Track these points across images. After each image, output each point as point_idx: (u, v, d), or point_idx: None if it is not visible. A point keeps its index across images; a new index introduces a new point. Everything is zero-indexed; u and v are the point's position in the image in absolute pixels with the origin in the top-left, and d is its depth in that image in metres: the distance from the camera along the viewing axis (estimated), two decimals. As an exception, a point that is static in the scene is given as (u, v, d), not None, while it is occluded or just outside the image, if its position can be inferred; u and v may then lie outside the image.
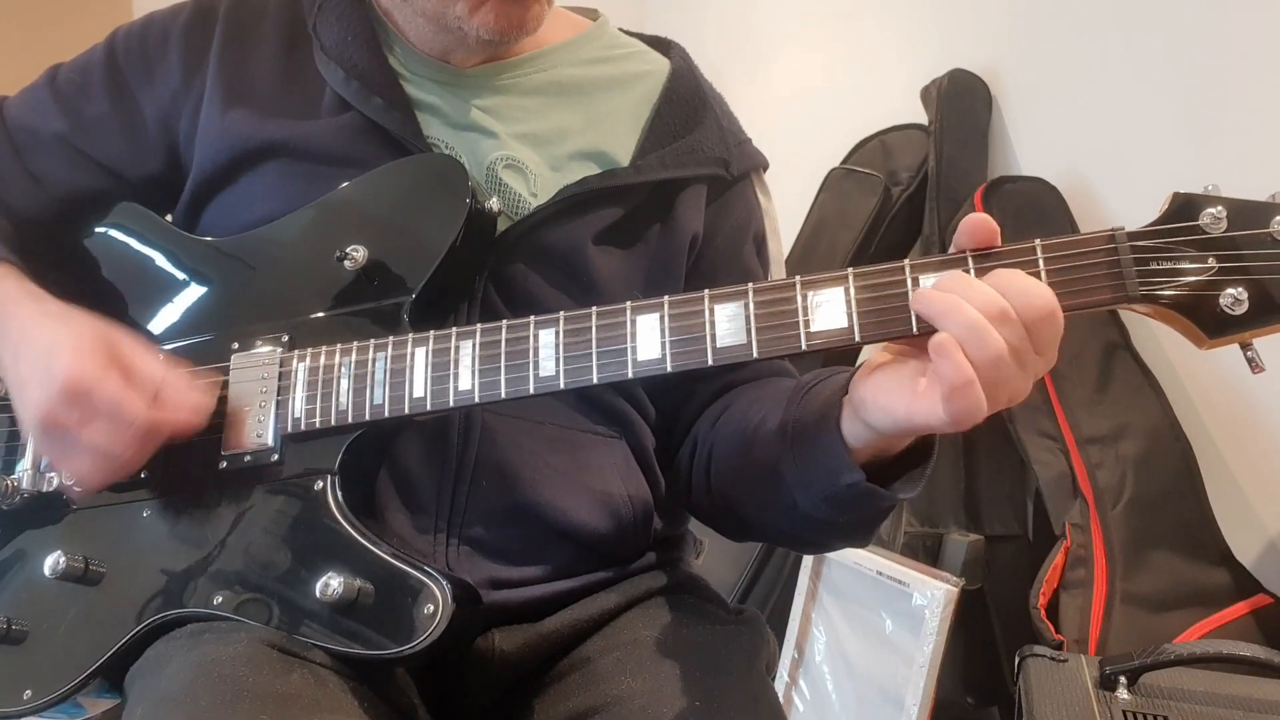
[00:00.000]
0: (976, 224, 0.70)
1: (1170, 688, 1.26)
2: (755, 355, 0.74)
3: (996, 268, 0.69)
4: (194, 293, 0.98)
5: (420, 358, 0.84)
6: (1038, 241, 0.69)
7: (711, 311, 0.76)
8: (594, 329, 0.79)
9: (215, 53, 1.00)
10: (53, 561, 0.90)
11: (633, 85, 1.05)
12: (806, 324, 0.73)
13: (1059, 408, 1.75)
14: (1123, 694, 1.24)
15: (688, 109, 1.04)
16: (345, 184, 0.94)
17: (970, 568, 1.84)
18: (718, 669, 0.89)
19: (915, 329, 0.70)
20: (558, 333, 0.80)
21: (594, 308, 0.80)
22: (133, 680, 0.86)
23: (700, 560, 1.12)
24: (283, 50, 1.00)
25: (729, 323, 0.75)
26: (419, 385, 0.84)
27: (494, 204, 0.93)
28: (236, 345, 0.92)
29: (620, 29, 1.12)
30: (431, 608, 0.79)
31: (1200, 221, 0.67)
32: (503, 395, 0.81)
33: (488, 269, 0.93)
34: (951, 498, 1.95)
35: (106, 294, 1.00)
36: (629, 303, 0.79)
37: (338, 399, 0.87)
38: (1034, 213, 1.90)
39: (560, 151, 1.00)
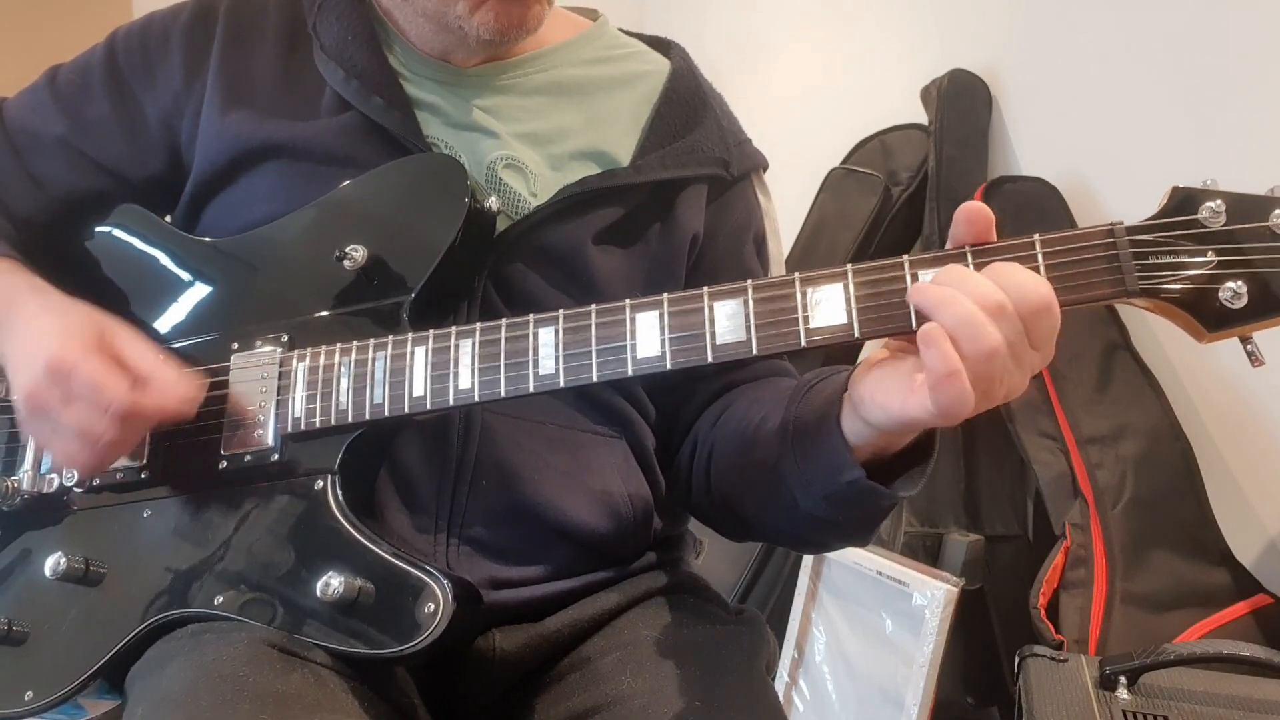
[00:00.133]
0: (973, 211, 0.70)
1: (1170, 688, 1.26)
2: (755, 352, 0.74)
3: (995, 262, 0.69)
4: (194, 293, 0.98)
5: (420, 357, 0.84)
6: (1036, 236, 0.69)
7: (711, 309, 0.76)
8: (593, 327, 0.79)
9: (216, 53, 1.00)
10: (53, 562, 0.90)
11: (633, 85, 1.05)
12: (806, 321, 0.73)
13: (1059, 408, 1.75)
14: (1123, 694, 1.24)
15: (688, 109, 1.04)
16: (345, 184, 0.94)
17: (970, 568, 1.84)
18: (718, 669, 0.89)
19: (914, 325, 0.70)
20: (557, 331, 0.80)
21: (593, 306, 0.80)
22: (133, 680, 0.86)
23: (700, 560, 1.12)
24: (283, 50, 1.00)
25: (728, 320, 0.75)
26: (419, 384, 0.84)
27: (493, 203, 0.93)
28: (236, 345, 0.92)
29: (620, 29, 1.12)
30: (432, 607, 0.79)
31: (1199, 215, 0.67)
32: (502, 394, 0.81)
33: (487, 268, 0.93)
34: (951, 498, 1.95)
35: (107, 295, 1.00)
36: (628, 300, 0.79)
37: (338, 398, 0.87)
38: (1034, 212, 1.90)
39: (560, 151, 1.00)
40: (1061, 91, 2.02)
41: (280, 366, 0.90)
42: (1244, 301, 0.66)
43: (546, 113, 1.01)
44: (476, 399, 0.82)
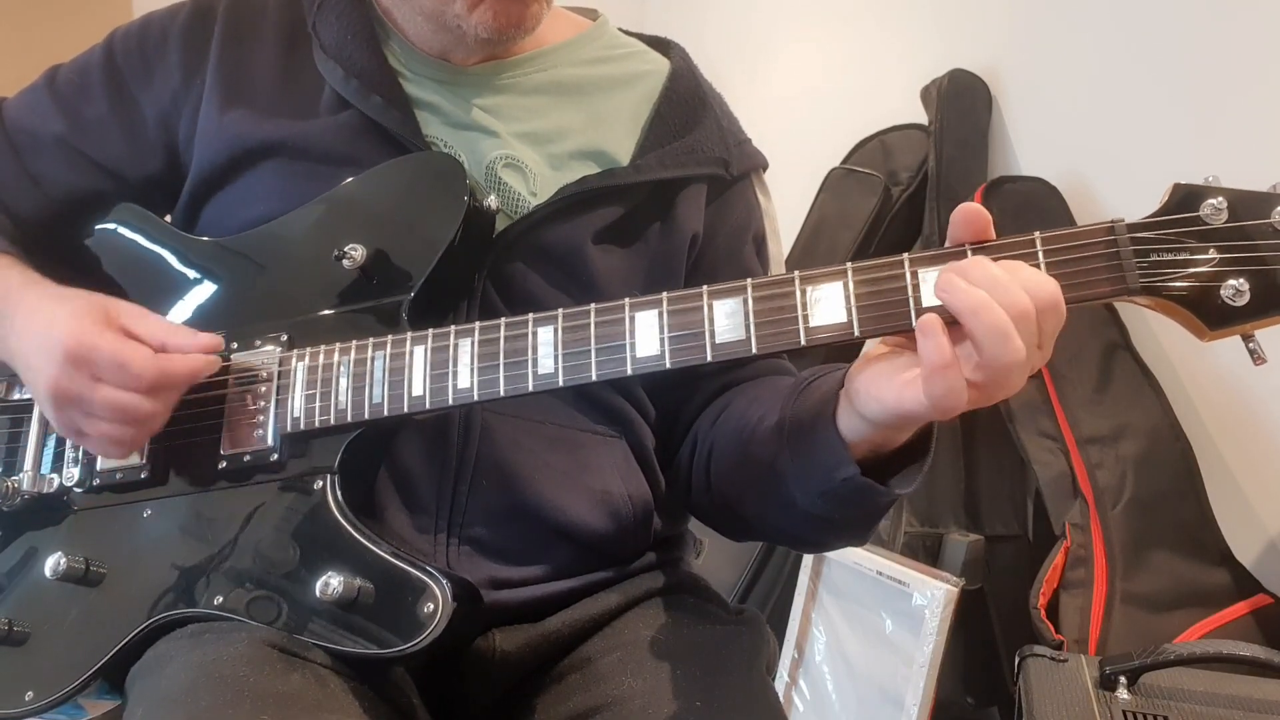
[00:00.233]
0: (970, 213, 0.70)
1: (1170, 688, 1.26)
2: (754, 351, 0.74)
3: (997, 260, 0.68)
4: (193, 292, 0.98)
5: (419, 356, 0.84)
6: (1038, 234, 0.69)
7: (710, 308, 0.76)
8: (592, 326, 0.79)
9: (215, 52, 1.00)
10: (53, 563, 0.90)
11: (633, 85, 1.05)
12: (805, 319, 0.73)
13: (1059, 407, 1.75)
14: (1123, 694, 1.24)
15: (687, 109, 1.04)
16: (343, 183, 0.94)
17: (970, 568, 1.84)
18: (718, 669, 0.89)
19: (914, 323, 0.70)
20: (556, 330, 0.80)
21: (592, 305, 0.80)
22: (133, 681, 0.86)
23: (700, 560, 1.12)
24: (282, 49, 1.00)
25: (728, 319, 0.75)
26: (418, 384, 0.84)
27: (492, 202, 0.93)
28: (236, 344, 0.92)
29: (620, 29, 1.12)
30: (431, 606, 0.79)
31: (1201, 212, 0.67)
32: (501, 393, 0.81)
33: (487, 267, 0.93)
34: (951, 497, 1.95)
35: (105, 294, 1.00)
36: (627, 299, 0.78)
37: (337, 398, 0.86)
38: (1034, 212, 1.90)
39: (560, 150, 1.00)
40: (1061, 91, 2.02)
41: (279, 366, 0.90)
42: (1246, 299, 0.66)
43: (546, 112, 1.01)
44: (475, 398, 0.82)
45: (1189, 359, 1.75)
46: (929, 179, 2.11)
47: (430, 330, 0.85)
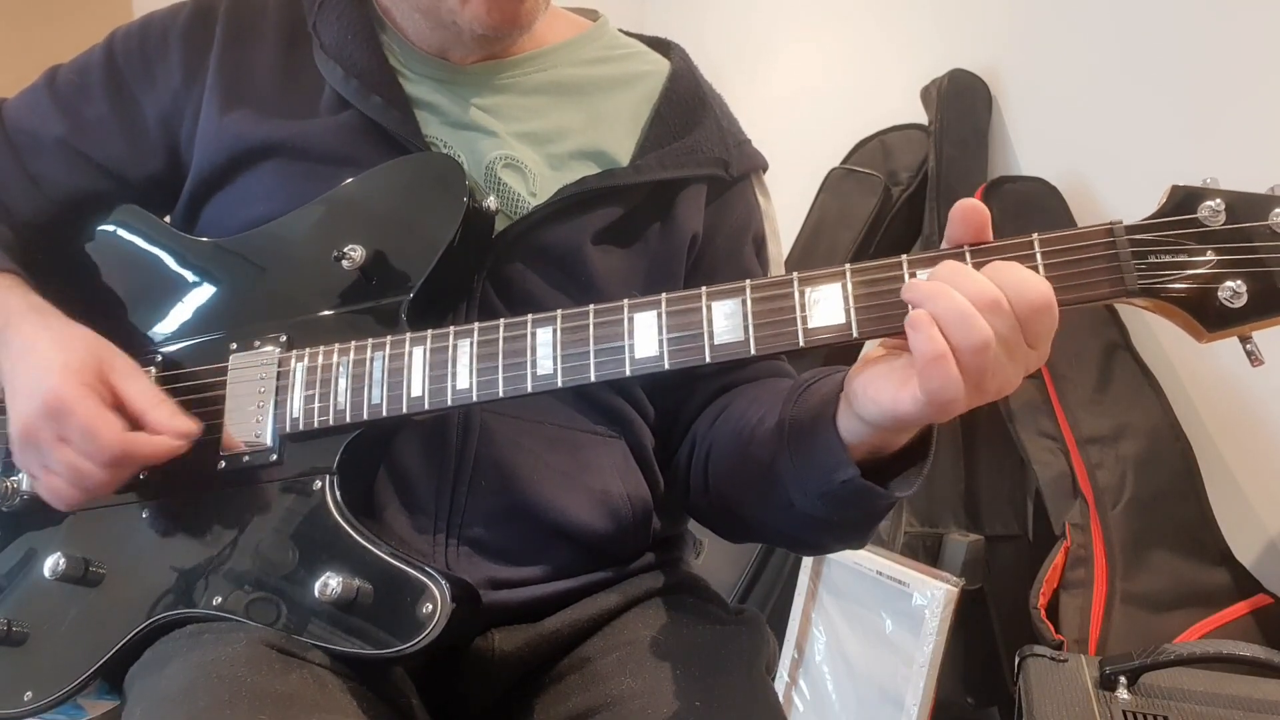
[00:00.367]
0: (968, 209, 0.70)
1: (1170, 688, 1.26)
2: (753, 352, 0.74)
3: (994, 261, 0.68)
4: (192, 293, 0.98)
5: (418, 357, 0.84)
6: (1035, 235, 0.69)
7: (709, 309, 0.76)
8: (591, 327, 0.79)
9: (215, 53, 1.00)
10: (52, 563, 0.90)
11: (633, 85, 1.05)
12: (804, 320, 0.73)
13: (1059, 408, 1.75)
14: (1123, 694, 1.24)
15: (687, 109, 1.04)
16: (343, 183, 0.94)
17: (970, 568, 1.84)
18: (717, 669, 0.89)
19: None
20: (555, 331, 0.80)
21: (591, 306, 0.79)
22: (132, 681, 0.86)
23: (700, 560, 1.12)
24: (282, 49, 1.00)
25: (726, 320, 0.75)
26: (417, 384, 0.84)
27: (491, 203, 0.93)
28: (235, 345, 0.92)
29: (620, 29, 1.12)
30: (430, 607, 0.79)
31: (1199, 214, 0.67)
32: (500, 394, 0.81)
33: (486, 268, 0.93)
34: (951, 498, 1.95)
35: (105, 296, 1.00)
36: (626, 300, 0.78)
37: (336, 399, 0.86)
38: (1034, 213, 1.90)
39: (560, 151, 1.00)
40: (1061, 91, 2.01)
41: (278, 366, 0.90)
42: (1244, 301, 0.66)
43: (546, 112, 1.01)
44: (474, 399, 0.82)
45: (1189, 359, 1.75)
46: (929, 179, 2.11)
47: (429, 331, 0.85)
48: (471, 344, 0.83)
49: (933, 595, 1.73)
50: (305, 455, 0.88)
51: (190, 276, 0.98)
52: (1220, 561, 1.63)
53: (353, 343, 0.87)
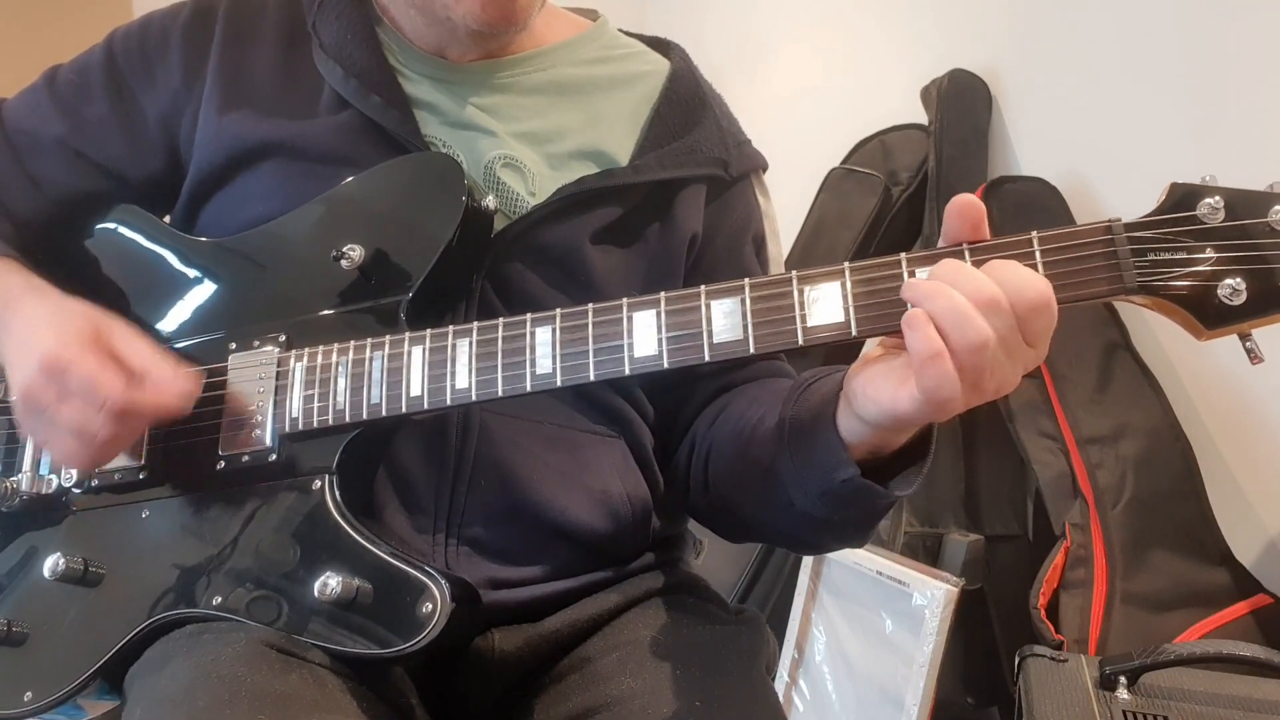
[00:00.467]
0: (964, 204, 0.70)
1: (1170, 688, 1.26)
2: (752, 351, 0.74)
3: (993, 259, 0.68)
4: (191, 293, 0.98)
5: (417, 356, 0.84)
6: (1034, 233, 0.69)
7: (708, 307, 0.76)
8: (590, 326, 0.79)
9: (215, 53, 1.00)
10: (52, 563, 0.90)
11: (632, 85, 1.05)
12: (803, 319, 0.73)
13: (1059, 408, 1.75)
14: (1123, 694, 1.24)
15: (687, 109, 1.04)
16: (342, 183, 0.94)
17: (970, 568, 1.84)
18: (717, 669, 0.89)
19: None
20: (554, 330, 0.80)
21: (590, 305, 0.79)
22: (132, 681, 0.86)
23: (700, 560, 1.12)
24: (282, 49, 1.00)
25: (725, 318, 0.75)
26: (416, 384, 0.84)
27: (490, 202, 0.93)
28: (234, 345, 0.92)
29: (620, 29, 1.12)
30: (430, 606, 0.79)
31: (1198, 212, 0.67)
32: (500, 393, 0.81)
33: (485, 268, 0.93)
34: (951, 498, 1.95)
35: (105, 295, 1.00)
36: (625, 299, 0.78)
37: (335, 398, 0.86)
38: (1034, 212, 1.90)
39: (559, 150, 1.00)
40: (1061, 91, 2.02)
41: (278, 366, 0.90)
42: (1243, 298, 0.66)
43: (545, 112, 1.01)
44: (474, 398, 0.82)
45: (1189, 359, 1.75)
46: (929, 179, 2.11)
47: (428, 330, 0.85)
48: (470, 343, 0.82)
49: (933, 595, 1.73)
50: (305, 455, 0.87)
51: (189, 276, 0.98)
52: (1220, 561, 1.63)
53: (352, 342, 0.87)
